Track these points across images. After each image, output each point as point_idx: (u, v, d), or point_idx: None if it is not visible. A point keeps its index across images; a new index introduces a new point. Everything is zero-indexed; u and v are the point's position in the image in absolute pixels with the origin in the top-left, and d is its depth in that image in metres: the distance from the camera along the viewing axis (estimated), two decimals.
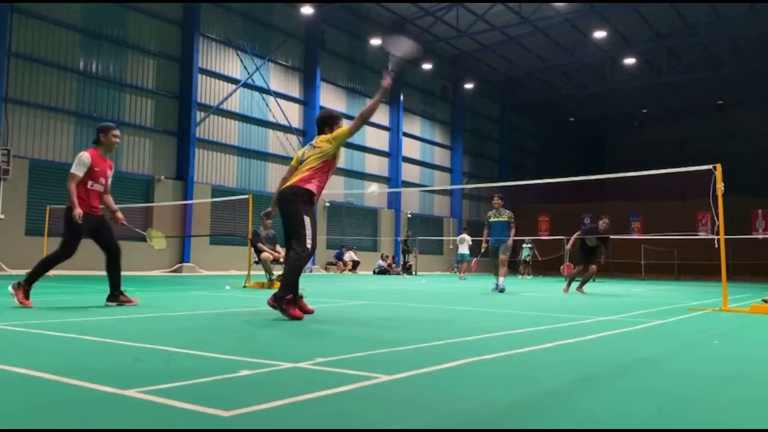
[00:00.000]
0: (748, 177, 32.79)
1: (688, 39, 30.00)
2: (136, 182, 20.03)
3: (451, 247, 32.06)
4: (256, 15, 23.97)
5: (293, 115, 25.49)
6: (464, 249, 21.17)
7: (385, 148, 30.30)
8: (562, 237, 23.65)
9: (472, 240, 21.36)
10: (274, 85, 24.73)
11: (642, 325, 5.46)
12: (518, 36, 30.87)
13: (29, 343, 3.65)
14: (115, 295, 6.36)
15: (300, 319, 5.09)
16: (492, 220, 11.69)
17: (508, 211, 11.68)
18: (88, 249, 6.21)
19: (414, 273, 26.15)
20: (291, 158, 6.05)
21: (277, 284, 10.90)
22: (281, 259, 11.41)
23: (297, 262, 5.32)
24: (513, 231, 11.55)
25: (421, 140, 32.79)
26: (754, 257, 27.98)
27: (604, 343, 4.27)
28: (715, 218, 7.41)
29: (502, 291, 11.08)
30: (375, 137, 29.75)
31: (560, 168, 37.03)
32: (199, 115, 21.72)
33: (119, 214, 6.49)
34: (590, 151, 45.67)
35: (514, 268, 25.53)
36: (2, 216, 16.11)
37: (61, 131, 18.16)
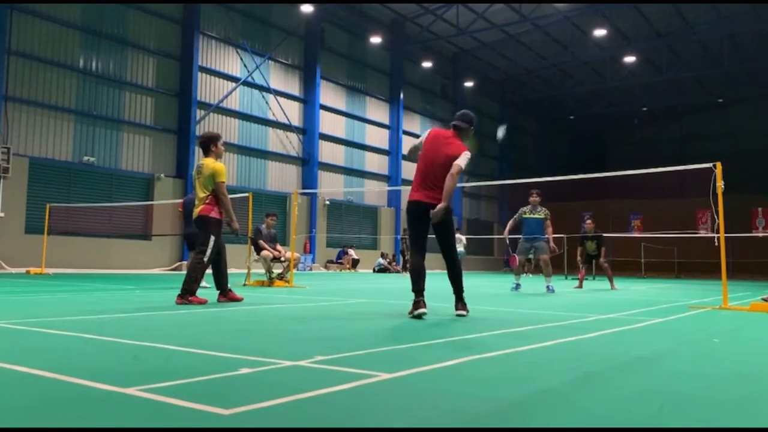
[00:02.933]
0: (749, 175, 32.77)
1: (688, 37, 30.01)
2: (136, 180, 20.02)
3: None
4: (256, 13, 23.95)
5: (293, 113, 25.46)
6: (459, 248, 21.23)
7: (385, 146, 30.29)
8: (562, 235, 23.64)
9: (466, 239, 21.53)
10: (274, 83, 24.71)
11: (642, 324, 5.46)
12: (518, 34, 30.86)
13: (29, 341, 3.65)
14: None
15: None
16: (527, 216, 11.14)
17: (544, 209, 11.18)
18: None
19: None
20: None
21: (277, 282, 10.99)
22: (282, 258, 11.43)
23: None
24: (550, 228, 11.11)
25: None
26: (754, 255, 27.99)
27: (605, 341, 4.27)
28: (715, 216, 7.41)
29: (552, 291, 10.63)
30: (375, 135, 29.74)
31: (560, 166, 36.99)
32: (199, 113, 21.71)
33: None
34: (590, 149, 45.63)
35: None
36: (2, 214, 16.10)
37: (61, 129, 18.15)
